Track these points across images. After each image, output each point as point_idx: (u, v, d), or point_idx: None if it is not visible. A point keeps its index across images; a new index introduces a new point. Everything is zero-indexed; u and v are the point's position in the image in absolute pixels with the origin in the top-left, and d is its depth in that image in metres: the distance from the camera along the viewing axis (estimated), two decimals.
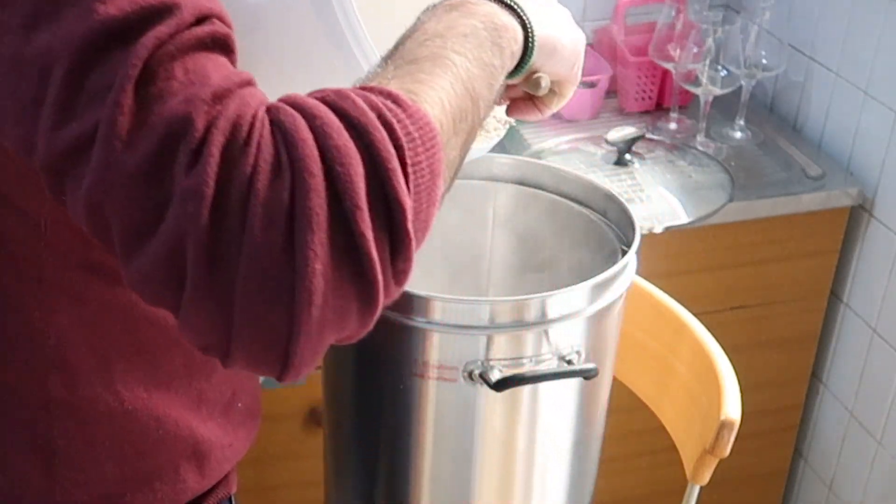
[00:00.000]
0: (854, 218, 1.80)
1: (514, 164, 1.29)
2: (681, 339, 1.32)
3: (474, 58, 0.73)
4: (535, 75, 0.87)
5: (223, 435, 0.94)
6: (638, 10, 1.97)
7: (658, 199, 1.68)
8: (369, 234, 0.61)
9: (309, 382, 1.60)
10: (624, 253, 1.16)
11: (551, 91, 0.93)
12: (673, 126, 1.89)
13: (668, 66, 1.82)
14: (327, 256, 0.60)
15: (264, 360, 0.63)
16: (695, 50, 1.76)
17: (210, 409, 0.92)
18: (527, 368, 1.06)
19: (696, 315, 1.33)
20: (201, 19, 0.64)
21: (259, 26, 0.94)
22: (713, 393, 1.23)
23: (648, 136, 1.83)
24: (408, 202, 0.63)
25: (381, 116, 0.63)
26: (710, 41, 1.76)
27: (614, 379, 1.24)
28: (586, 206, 1.26)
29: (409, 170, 0.63)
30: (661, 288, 1.37)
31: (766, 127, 1.92)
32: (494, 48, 0.76)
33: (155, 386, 0.86)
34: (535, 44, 0.82)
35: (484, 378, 1.05)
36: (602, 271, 1.08)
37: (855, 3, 1.76)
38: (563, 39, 0.87)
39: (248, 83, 0.65)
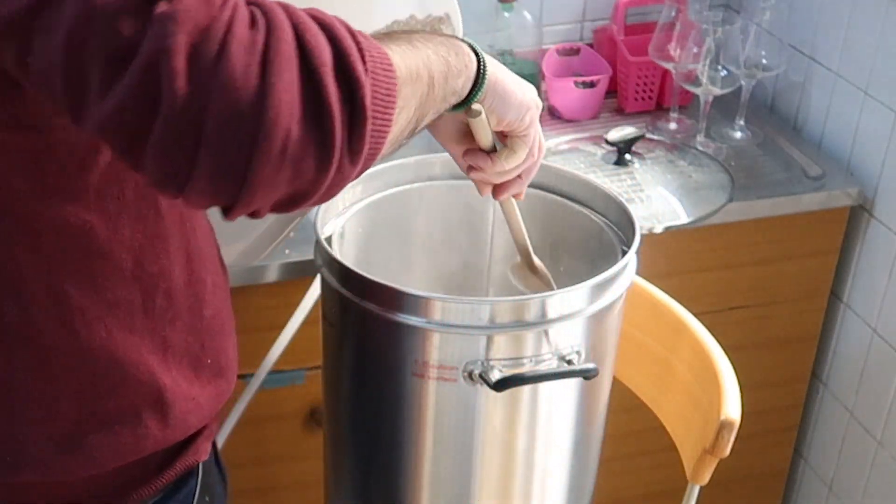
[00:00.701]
0: (854, 218, 1.80)
1: None
2: (681, 339, 1.32)
3: (433, 50, 0.83)
4: (476, 105, 0.93)
5: (188, 387, 0.93)
6: (638, 10, 1.96)
7: (658, 199, 1.68)
8: (332, 90, 0.69)
9: (309, 383, 1.61)
10: (624, 253, 1.16)
11: (504, 145, 0.99)
12: (673, 126, 1.89)
13: (668, 66, 1.82)
14: (295, 101, 0.67)
15: (222, 188, 0.68)
16: (695, 50, 1.76)
17: (176, 358, 0.92)
18: (527, 368, 1.06)
19: (696, 315, 1.33)
20: None
21: None
22: (713, 393, 1.23)
23: (648, 136, 1.83)
24: (366, 81, 0.70)
25: (348, 29, 0.72)
26: (710, 41, 1.75)
27: (614, 379, 1.24)
28: (586, 206, 1.26)
29: (368, 65, 0.71)
30: (661, 288, 1.37)
31: (766, 127, 1.92)
32: (452, 52, 0.86)
33: (116, 326, 0.87)
34: (486, 77, 0.91)
35: (484, 378, 1.05)
36: (602, 271, 1.08)
37: (855, 3, 1.76)
38: (516, 90, 0.95)
39: None
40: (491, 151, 1.00)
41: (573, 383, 1.13)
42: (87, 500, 0.92)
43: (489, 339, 1.05)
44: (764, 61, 1.80)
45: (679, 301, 1.35)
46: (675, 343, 1.33)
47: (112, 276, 0.86)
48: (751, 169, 1.79)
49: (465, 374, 1.06)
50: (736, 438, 1.20)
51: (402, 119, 0.79)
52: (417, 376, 1.08)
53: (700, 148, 1.83)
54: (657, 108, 1.95)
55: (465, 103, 0.91)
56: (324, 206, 1.18)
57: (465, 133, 1.00)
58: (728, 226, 1.70)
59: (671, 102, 1.90)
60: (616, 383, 1.25)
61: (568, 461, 1.20)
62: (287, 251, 1.51)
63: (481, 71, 0.90)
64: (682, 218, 1.66)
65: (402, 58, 0.78)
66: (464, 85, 0.89)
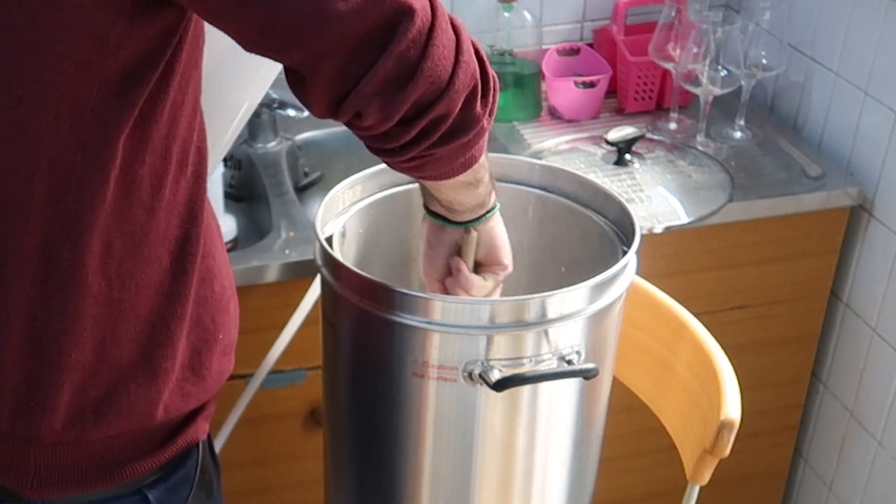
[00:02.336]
0: (854, 218, 1.80)
1: (514, 165, 1.29)
2: (681, 339, 1.32)
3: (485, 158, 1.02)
4: (474, 233, 1.09)
5: (206, 357, 0.98)
6: (638, 10, 1.96)
7: (658, 199, 1.68)
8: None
9: (309, 383, 1.61)
10: (624, 253, 1.16)
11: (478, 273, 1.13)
12: (673, 126, 1.89)
13: (668, 66, 1.82)
14: (470, 76, 0.88)
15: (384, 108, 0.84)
16: (695, 50, 1.76)
17: (195, 330, 0.97)
18: (527, 368, 1.06)
19: (696, 315, 1.33)
20: None
21: None
22: (713, 393, 1.23)
23: (648, 136, 1.83)
24: (444, 21, 0.86)
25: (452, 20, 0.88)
26: (710, 41, 1.75)
27: (614, 379, 1.24)
28: (586, 206, 1.26)
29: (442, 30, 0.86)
30: (661, 288, 1.37)
31: (766, 127, 1.92)
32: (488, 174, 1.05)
33: (145, 284, 0.91)
34: (493, 216, 1.09)
35: (484, 378, 1.05)
36: (602, 271, 1.08)
37: (855, 3, 1.76)
38: (506, 248, 1.13)
39: None
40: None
41: (573, 383, 1.13)
42: (89, 470, 0.94)
43: (489, 339, 1.05)
44: (764, 61, 1.80)
45: (679, 301, 1.35)
46: (675, 343, 1.33)
47: (151, 235, 0.89)
48: (751, 169, 1.79)
49: (465, 374, 1.06)
50: (736, 438, 1.20)
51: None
52: (417, 376, 1.08)
53: (700, 148, 1.83)
54: (657, 108, 1.95)
55: (476, 220, 1.09)
56: (324, 206, 1.18)
57: (455, 251, 1.13)
58: (728, 226, 1.70)
59: (671, 102, 1.90)
60: (616, 383, 1.25)
61: (568, 461, 1.20)
62: (287, 251, 1.51)
63: (490, 211, 1.09)
64: (682, 218, 1.66)
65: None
66: (473, 217, 1.08)
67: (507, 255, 1.13)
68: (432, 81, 0.84)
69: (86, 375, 0.90)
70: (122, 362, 0.91)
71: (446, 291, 1.12)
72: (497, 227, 1.11)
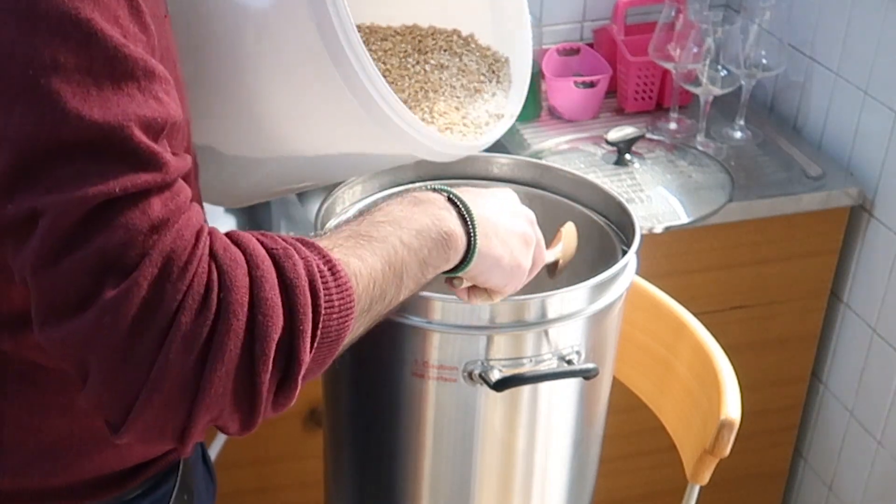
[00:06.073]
0: (854, 218, 1.80)
1: (514, 164, 1.29)
2: (681, 339, 1.32)
3: (415, 253, 0.83)
4: (456, 280, 0.93)
5: None
6: (638, 10, 1.96)
7: (658, 199, 1.68)
8: (265, 378, 0.71)
9: (309, 383, 1.60)
10: (624, 253, 1.16)
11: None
12: (673, 126, 1.89)
13: (668, 66, 1.82)
14: (227, 385, 0.70)
15: (157, 440, 0.72)
16: (695, 50, 1.76)
17: None
18: (527, 368, 1.06)
19: (696, 315, 1.33)
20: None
21: (262, 36, 0.95)
22: (713, 393, 1.23)
23: (648, 136, 1.83)
24: (306, 360, 0.73)
25: (312, 283, 0.73)
26: (710, 41, 1.75)
27: (614, 379, 1.24)
28: (586, 206, 1.26)
29: (319, 333, 0.74)
30: (661, 288, 1.37)
31: (766, 127, 1.92)
32: (438, 250, 0.86)
33: None
34: (475, 257, 0.89)
35: (484, 378, 1.05)
36: (602, 271, 1.08)
37: (855, 3, 1.76)
38: (504, 254, 0.92)
39: (184, 203, 0.71)
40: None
41: (573, 383, 1.13)
42: (63, 497, 0.92)
43: (489, 339, 1.05)
44: (764, 61, 1.80)
45: (679, 301, 1.35)
46: (675, 343, 1.33)
47: None
48: (751, 169, 1.79)
49: (465, 374, 1.06)
50: (736, 438, 1.20)
51: (352, 337, 0.80)
52: (417, 376, 1.08)
53: (700, 148, 1.83)
54: (657, 108, 1.95)
55: (450, 272, 0.91)
56: (324, 206, 1.18)
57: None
58: (728, 226, 1.70)
59: (671, 102, 1.90)
60: (616, 383, 1.25)
61: (568, 461, 1.20)
62: None
63: (470, 255, 0.89)
64: (682, 218, 1.66)
65: (367, 287, 0.79)
66: (446, 265, 0.89)
67: (504, 278, 0.95)
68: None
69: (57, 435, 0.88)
70: (93, 425, 0.87)
71: None
72: (485, 264, 0.91)
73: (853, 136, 1.81)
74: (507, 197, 0.97)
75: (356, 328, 0.80)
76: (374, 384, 1.14)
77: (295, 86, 0.96)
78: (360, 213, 0.85)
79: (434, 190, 0.90)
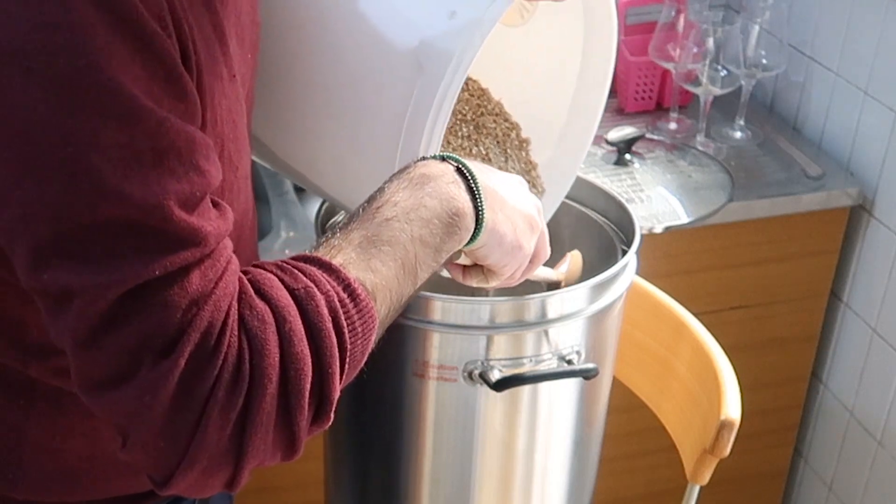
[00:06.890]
0: (854, 218, 1.80)
1: None
2: (681, 338, 1.32)
3: (428, 245, 0.82)
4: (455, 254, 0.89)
5: None
6: (638, 10, 1.96)
7: (658, 199, 1.68)
8: (302, 423, 0.73)
9: None
10: (624, 253, 1.16)
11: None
12: (673, 126, 1.89)
13: (668, 66, 1.82)
14: (266, 439, 0.72)
15: (204, 493, 0.75)
16: (695, 50, 1.76)
17: None
18: (527, 368, 1.06)
19: (696, 315, 1.33)
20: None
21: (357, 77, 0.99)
22: (713, 393, 1.23)
23: (648, 136, 1.83)
24: (337, 394, 0.75)
25: (336, 321, 0.74)
26: (710, 41, 1.76)
27: (614, 379, 1.24)
28: (586, 206, 1.26)
29: (346, 364, 0.75)
30: (661, 288, 1.37)
31: (766, 127, 1.92)
32: (449, 233, 0.84)
33: None
34: (482, 233, 0.86)
35: (484, 378, 1.05)
36: (602, 271, 1.08)
37: (855, 3, 1.76)
38: (509, 236, 0.89)
39: (224, 267, 0.71)
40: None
41: (573, 383, 1.13)
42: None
43: (489, 339, 1.05)
44: (764, 61, 1.80)
45: (679, 301, 1.35)
46: (675, 343, 1.33)
47: None
48: (751, 169, 1.79)
49: (465, 374, 1.06)
50: (736, 438, 1.20)
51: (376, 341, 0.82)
52: (417, 376, 1.08)
53: (700, 148, 1.83)
54: (657, 108, 1.95)
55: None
56: (324, 206, 1.18)
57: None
58: (728, 226, 1.70)
59: (671, 102, 1.90)
60: (616, 383, 1.25)
61: (568, 461, 1.20)
62: (287, 251, 1.51)
63: (479, 229, 0.86)
64: (682, 218, 1.66)
65: (384, 301, 0.80)
66: (458, 246, 0.86)
67: (505, 256, 0.92)
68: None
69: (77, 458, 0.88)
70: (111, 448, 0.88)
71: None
72: (491, 239, 0.89)
73: (853, 136, 1.81)
74: (517, 180, 0.94)
75: (379, 333, 0.81)
76: (375, 384, 1.14)
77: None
78: (368, 202, 0.82)
79: (443, 159, 0.86)
